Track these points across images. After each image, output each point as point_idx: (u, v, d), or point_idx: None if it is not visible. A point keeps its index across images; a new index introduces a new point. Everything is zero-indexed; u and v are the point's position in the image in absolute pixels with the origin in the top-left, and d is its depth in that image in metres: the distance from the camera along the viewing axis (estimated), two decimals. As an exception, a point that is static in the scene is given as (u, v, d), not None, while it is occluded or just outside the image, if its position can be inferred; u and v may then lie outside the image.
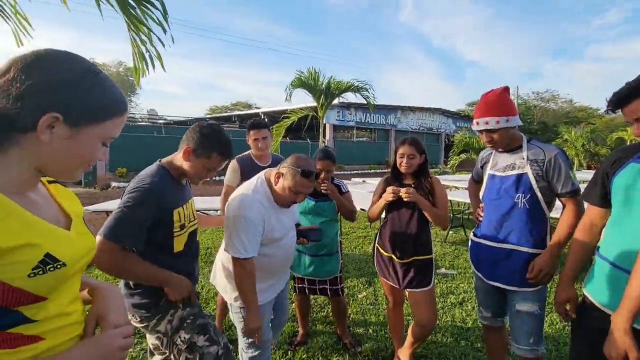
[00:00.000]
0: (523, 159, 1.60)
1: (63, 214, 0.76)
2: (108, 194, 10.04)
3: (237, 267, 1.49)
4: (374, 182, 7.31)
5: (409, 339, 2.10)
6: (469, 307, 3.07)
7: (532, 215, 1.57)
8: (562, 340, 2.57)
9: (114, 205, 4.43)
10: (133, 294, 1.31)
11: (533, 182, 1.56)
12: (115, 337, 0.72)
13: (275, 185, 1.59)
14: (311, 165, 1.58)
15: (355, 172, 18.88)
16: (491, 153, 1.80)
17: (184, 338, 1.32)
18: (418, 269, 1.95)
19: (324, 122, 10.38)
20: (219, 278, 1.70)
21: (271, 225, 1.56)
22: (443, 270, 4.00)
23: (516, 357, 2.30)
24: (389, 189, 1.93)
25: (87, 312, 0.82)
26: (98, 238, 1.15)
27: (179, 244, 1.34)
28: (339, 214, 2.33)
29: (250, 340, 1.64)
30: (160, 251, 1.31)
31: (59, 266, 0.64)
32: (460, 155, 11.64)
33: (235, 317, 1.64)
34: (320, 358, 2.29)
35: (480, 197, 1.82)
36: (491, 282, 1.67)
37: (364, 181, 8.74)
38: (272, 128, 8.61)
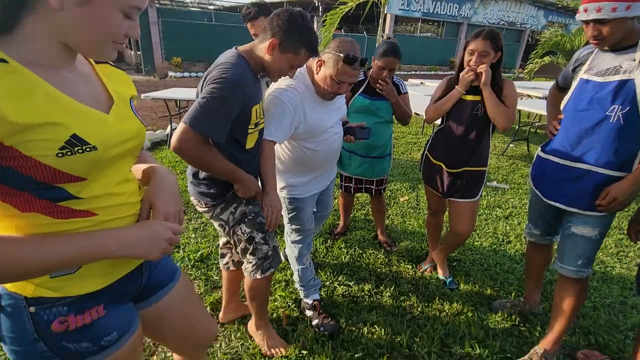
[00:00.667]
0: (634, 60, 1.26)
1: (106, 95, 0.73)
2: (166, 83, 10.44)
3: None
4: (433, 85, 6.64)
5: (444, 244, 2.14)
6: (514, 222, 2.99)
7: (624, 132, 1.30)
8: (611, 264, 2.47)
9: (172, 93, 4.60)
10: (200, 183, 1.36)
11: (639, 91, 1.24)
12: (166, 230, 0.76)
13: (317, 74, 1.46)
14: (356, 49, 1.40)
15: (413, 72, 17.24)
16: (591, 52, 1.43)
17: (245, 231, 1.42)
18: (467, 180, 1.85)
19: (386, 12, 9.07)
20: None
21: (309, 116, 1.47)
22: (495, 183, 3.82)
23: (555, 274, 2.29)
24: (467, 68, 1.69)
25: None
26: (182, 126, 1.13)
27: (251, 141, 1.33)
28: (393, 115, 2.17)
29: (294, 226, 1.77)
30: (233, 146, 1.29)
31: (88, 149, 0.63)
32: (544, 59, 9.81)
33: (282, 205, 1.73)
34: (357, 249, 2.47)
35: (562, 108, 1.54)
36: (550, 202, 1.53)
37: (422, 83, 7.98)
38: (326, 16, 7.76)
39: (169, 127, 4.66)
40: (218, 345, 1.67)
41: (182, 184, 3.34)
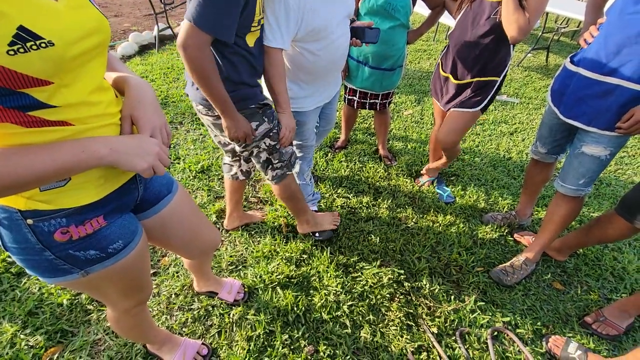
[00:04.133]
0: None
1: None
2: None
3: (264, 55, 1.31)
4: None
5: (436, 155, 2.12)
6: (518, 139, 2.94)
7: None
8: (607, 181, 2.51)
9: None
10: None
11: None
12: (154, 144, 0.72)
13: None
14: None
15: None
16: None
17: (268, 144, 1.40)
18: (473, 89, 1.71)
19: None
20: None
21: (313, 10, 1.27)
22: (504, 97, 3.64)
23: (549, 189, 2.34)
24: None
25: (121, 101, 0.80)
26: (186, 24, 1.01)
27: (250, 40, 1.19)
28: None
29: (295, 142, 1.72)
30: (240, 45, 1.15)
31: (44, 44, 0.55)
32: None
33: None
34: (357, 163, 2.48)
35: (605, 10, 1.33)
36: (568, 120, 1.44)
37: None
38: None
39: (155, 28, 4.22)
40: (224, 249, 1.80)
41: (176, 93, 3.18)
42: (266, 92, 1.42)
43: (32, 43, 0.54)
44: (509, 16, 1.43)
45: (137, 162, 0.69)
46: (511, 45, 1.60)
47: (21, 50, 0.53)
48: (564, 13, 4.17)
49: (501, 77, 1.69)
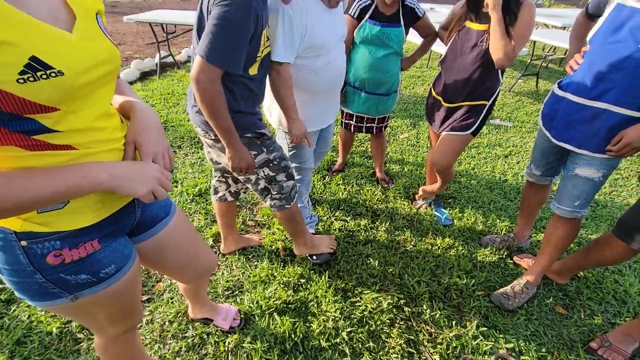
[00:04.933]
0: None
1: (67, 10, 0.62)
2: (151, 5, 9.50)
3: (272, 73, 1.38)
4: (445, 11, 6.11)
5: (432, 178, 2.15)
6: (513, 161, 2.98)
7: None
8: (603, 203, 2.52)
9: (158, 16, 4.19)
10: None
11: None
12: (155, 169, 0.73)
13: None
14: None
15: (422, -4, 15.71)
16: None
17: (267, 174, 1.42)
18: (463, 113, 1.76)
19: None
20: (266, 100, 1.65)
21: (314, 28, 1.35)
22: (497, 121, 3.72)
23: (547, 211, 2.35)
24: None
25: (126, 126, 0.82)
26: (199, 60, 1.06)
27: (254, 68, 1.24)
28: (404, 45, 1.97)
29: (294, 164, 1.74)
30: (241, 74, 1.19)
31: (53, 74, 0.56)
32: (568, -19, 8.87)
33: (282, 142, 1.68)
34: (354, 185, 2.49)
35: (588, 39, 1.39)
36: (560, 143, 1.47)
37: (432, 8, 7.28)
38: None
39: (157, 55, 4.35)
40: (220, 274, 1.76)
41: (175, 118, 3.23)
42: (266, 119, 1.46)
43: (43, 72, 0.55)
44: (495, 43, 1.50)
45: (138, 188, 0.70)
46: (499, 71, 1.67)
47: (31, 79, 0.54)
48: (550, 42, 4.36)
49: (490, 102, 1.74)
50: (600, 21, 1.33)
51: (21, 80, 0.53)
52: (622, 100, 1.26)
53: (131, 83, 4.08)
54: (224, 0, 1.02)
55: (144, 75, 4.34)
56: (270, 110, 1.63)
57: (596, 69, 1.30)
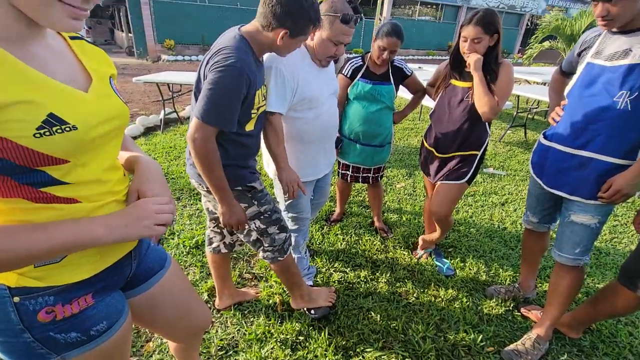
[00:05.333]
0: None
1: (84, 73, 0.68)
2: (159, 67, 10.20)
3: (264, 123, 1.45)
4: (432, 70, 6.56)
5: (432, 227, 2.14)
6: (510, 209, 3.00)
7: (631, 119, 1.26)
8: (605, 250, 2.49)
9: (165, 77, 4.48)
10: None
11: None
12: (149, 202, 0.73)
13: (312, 40, 1.45)
14: (348, 8, 1.39)
15: (411, 57, 16.99)
16: (598, 35, 1.38)
17: (258, 226, 1.43)
18: (456, 163, 1.82)
19: (384, -7, 8.81)
20: (264, 153, 1.71)
21: (305, 83, 1.45)
22: (491, 170, 3.81)
23: (550, 260, 2.30)
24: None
25: (130, 179, 0.84)
26: (195, 120, 1.14)
27: (251, 124, 1.31)
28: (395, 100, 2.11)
29: (291, 214, 1.74)
30: (237, 131, 1.26)
31: (68, 129, 0.60)
32: (543, 44, 9.66)
33: (279, 192, 1.70)
34: (353, 235, 2.47)
35: (565, 94, 1.50)
36: (552, 190, 1.50)
37: (420, 67, 7.86)
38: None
39: (162, 112, 4.56)
40: (214, 331, 1.67)
41: (176, 170, 3.30)
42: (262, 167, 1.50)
43: (58, 127, 0.59)
44: (480, 99, 1.61)
45: (139, 230, 0.69)
46: (486, 123, 1.76)
47: (47, 133, 0.57)
48: (532, 96, 4.67)
49: (481, 152, 1.81)
50: (575, 78, 1.44)
51: (38, 135, 0.56)
52: (606, 149, 1.32)
53: (135, 137, 4.22)
54: (218, 66, 1.11)
55: (148, 130, 4.52)
56: (268, 161, 1.69)
57: (577, 120, 1.38)
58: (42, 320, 0.67)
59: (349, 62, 2.05)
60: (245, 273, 2.08)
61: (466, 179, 1.82)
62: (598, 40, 1.37)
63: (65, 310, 0.69)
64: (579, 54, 1.47)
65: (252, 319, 1.75)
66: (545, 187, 1.54)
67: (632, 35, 1.26)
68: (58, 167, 0.62)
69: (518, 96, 5.04)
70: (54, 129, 0.58)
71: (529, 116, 5.54)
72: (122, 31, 15.11)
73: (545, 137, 1.55)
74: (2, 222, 0.61)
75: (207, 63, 1.15)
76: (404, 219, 2.75)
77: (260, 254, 1.52)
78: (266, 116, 1.42)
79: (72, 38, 0.71)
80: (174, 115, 4.85)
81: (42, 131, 0.57)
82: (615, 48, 1.29)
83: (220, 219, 1.32)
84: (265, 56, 1.42)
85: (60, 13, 0.55)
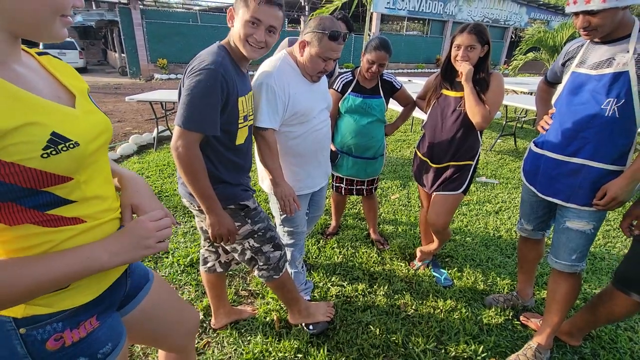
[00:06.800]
0: (628, 52, 1.25)
1: (64, 90, 0.69)
2: (152, 86, 10.26)
3: (257, 139, 1.47)
4: (421, 82, 6.68)
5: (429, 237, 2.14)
6: (504, 217, 3.02)
7: (619, 126, 1.29)
8: (600, 255, 2.51)
9: (158, 95, 4.51)
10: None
11: (634, 84, 1.23)
12: (146, 221, 0.72)
13: (301, 56, 1.47)
14: (337, 25, 1.42)
15: (400, 70, 17.35)
16: (581, 45, 1.43)
17: (252, 245, 1.41)
18: (452, 173, 1.84)
19: (372, 11, 9.08)
20: (258, 168, 1.71)
21: (296, 98, 1.47)
22: (484, 178, 3.85)
23: (546, 267, 2.31)
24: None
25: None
26: (176, 129, 1.13)
27: (241, 137, 1.30)
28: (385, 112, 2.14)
29: (287, 228, 1.73)
30: (223, 144, 1.25)
31: (71, 145, 0.60)
32: (527, 55, 9.99)
33: (274, 206, 1.70)
34: (349, 248, 2.45)
35: (553, 102, 1.53)
36: (547, 198, 1.51)
37: (409, 80, 8.02)
38: (312, 15, 7.72)
39: (155, 130, 4.56)
40: (210, 352, 1.62)
41: (170, 188, 3.27)
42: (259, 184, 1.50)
43: (63, 145, 0.59)
44: (472, 109, 1.65)
45: (142, 252, 0.69)
46: (478, 132, 1.79)
47: (53, 152, 0.58)
48: (520, 105, 4.78)
49: (475, 161, 1.83)
50: (561, 87, 1.48)
51: (45, 155, 0.57)
52: (597, 155, 1.35)
53: (129, 156, 4.21)
54: (194, 71, 1.13)
55: (141, 149, 4.50)
56: (263, 177, 1.69)
57: (567, 128, 1.41)
58: (50, 349, 0.65)
59: (340, 77, 2.09)
60: (241, 290, 2.04)
61: (462, 189, 1.84)
62: (581, 50, 1.41)
63: (74, 335, 0.68)
64: (563, 64, 1.52)
65: (249, 338, 1.71)
66: (539, 194, 1.55)
67: (614, 44, 1.30)
68: (63, 185, 0.62)
69: (506, 106, 5.15)
70: (60, 147, 0.59)
71: (518, 125, 5.66)
72: (115, 51, 15.24)
73: (537, 145, 1.57)
74: (11, 251, 0.60)
75: (186, 72, 1.17)
76: (400, 230, 2.74)
77: (256, 272, 1.51)
78: (259, 132, 1.43)
79: (39, 54, 0.71)
80: (167, 133, 4.85)
81: (48, 150, 0.57)
82: (599, 57, 1.33)
83: (209, 232, 1.29)
84: (255, 74, 1.44)
85: (60, 26, 0.59)
